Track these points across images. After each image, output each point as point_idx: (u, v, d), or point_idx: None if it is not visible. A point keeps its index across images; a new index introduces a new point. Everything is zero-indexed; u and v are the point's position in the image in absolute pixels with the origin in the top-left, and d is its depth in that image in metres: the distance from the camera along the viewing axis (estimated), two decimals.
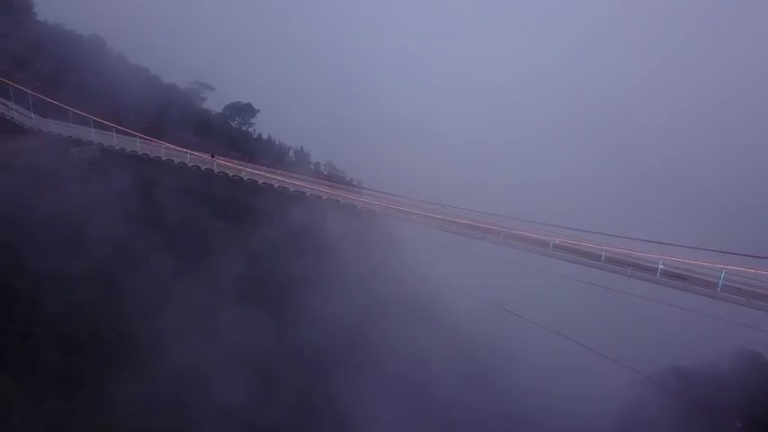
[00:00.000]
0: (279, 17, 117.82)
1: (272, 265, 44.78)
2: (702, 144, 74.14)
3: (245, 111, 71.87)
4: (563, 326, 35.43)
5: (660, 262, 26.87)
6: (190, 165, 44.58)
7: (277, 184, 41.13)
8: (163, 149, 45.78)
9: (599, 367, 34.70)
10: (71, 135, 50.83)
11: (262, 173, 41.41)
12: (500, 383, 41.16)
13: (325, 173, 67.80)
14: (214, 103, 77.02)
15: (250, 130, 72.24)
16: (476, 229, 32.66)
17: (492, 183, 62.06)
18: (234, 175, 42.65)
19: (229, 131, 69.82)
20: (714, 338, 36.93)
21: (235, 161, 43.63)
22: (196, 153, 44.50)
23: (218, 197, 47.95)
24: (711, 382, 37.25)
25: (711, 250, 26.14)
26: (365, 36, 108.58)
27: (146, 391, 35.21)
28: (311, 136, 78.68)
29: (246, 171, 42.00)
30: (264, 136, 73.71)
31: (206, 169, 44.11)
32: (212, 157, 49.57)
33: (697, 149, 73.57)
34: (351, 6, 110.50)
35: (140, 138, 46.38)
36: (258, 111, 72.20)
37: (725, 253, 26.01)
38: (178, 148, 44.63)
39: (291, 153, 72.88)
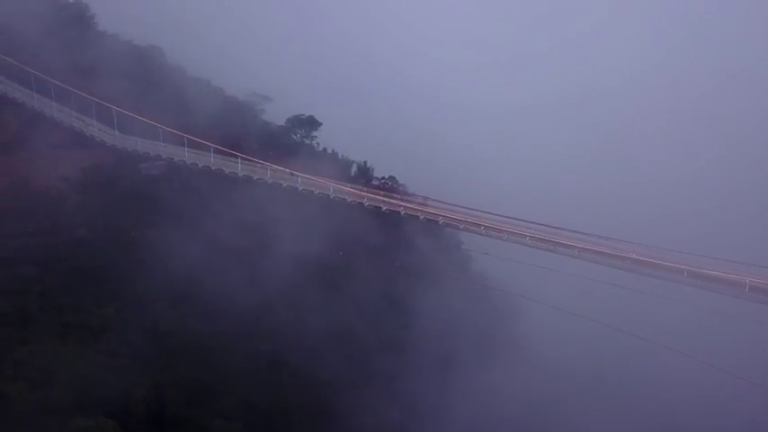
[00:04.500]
0: (299, 22, 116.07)
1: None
2: None
3: (307, 123, 69.73)
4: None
5: None
6: (300, 189, 42.39)
7: (403, 211, 39.12)
8: (269, 172, 43.57)
9: None
10: (161, 153, 48.38)
11: (383, 198, 39.21)
12: None
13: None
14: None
15: (313, 143, 70.09)
16: (649, 266, 30.92)
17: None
18: (352, 201, 40.51)
19: (293, 145, 67.73)
20: None
21: (347, 184, 41.56)
22: (306, 174, 42.27)
23: (361, 232, 45.32)
24: None
25: None
26: (395, 40, 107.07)
27: None
28: (361, 145, 76.41)
29: (368, 197, 39.94)
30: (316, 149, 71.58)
31: (319, 193, 41.92)
32: (292, 174, 47.71)
33: None
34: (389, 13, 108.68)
35: (242, 158, 44.09)
36: (321, 123, 70.07)
37: None
38: (286, 169, 42.27)
39: (354, 167, 70.87)
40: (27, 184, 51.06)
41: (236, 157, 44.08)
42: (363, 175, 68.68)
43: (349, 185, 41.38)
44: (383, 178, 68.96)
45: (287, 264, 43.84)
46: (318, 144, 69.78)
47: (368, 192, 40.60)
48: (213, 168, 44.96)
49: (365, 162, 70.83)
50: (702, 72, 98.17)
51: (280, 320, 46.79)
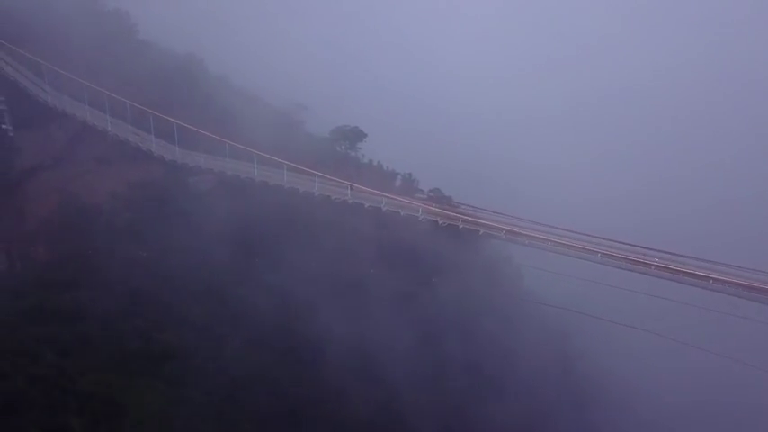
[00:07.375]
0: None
1: None
2: None
3: (352, 135, 67.42)
4: None
5: None
6: (384, 209, 40.19)
7: (482, 231, 37.05)
8: (349, 191, 41.31)
9: None
10: (225, 169, 45.80)
11: (483, 221, 37.06)
12: None
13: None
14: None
15: (358, 155, 67.81)
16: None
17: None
18: (442, 222, 38.40)
19: (338, 157, 65.49)
20: None
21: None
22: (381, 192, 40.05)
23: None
24: None
25: None
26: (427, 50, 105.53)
27: None
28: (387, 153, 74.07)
29: (463, 219, 37.90)
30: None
31: (406, 215, 39.71)
32: (351, 188, 45.75)
33: None
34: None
35: (319, 176, 41.75)
36: (366, 135, 67.81)
37: None
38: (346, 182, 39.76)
39: (399, 179, 68.79)
40: (77, 201, 48.47)
41: (312, 174, 41.61)
42: (410, 188, 66.64)
43: (436, 206, 39.18)
44: (430, 191, 67.05)
45: (364, 289, 41.66)
46: (363, 155, 67.51)
47: (457, 213, 38.51)
48: (286, 187, 42.40)
49: (410, 174, 68.85)
50: (712, 76, 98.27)
51: (349, 349, 44.69)
